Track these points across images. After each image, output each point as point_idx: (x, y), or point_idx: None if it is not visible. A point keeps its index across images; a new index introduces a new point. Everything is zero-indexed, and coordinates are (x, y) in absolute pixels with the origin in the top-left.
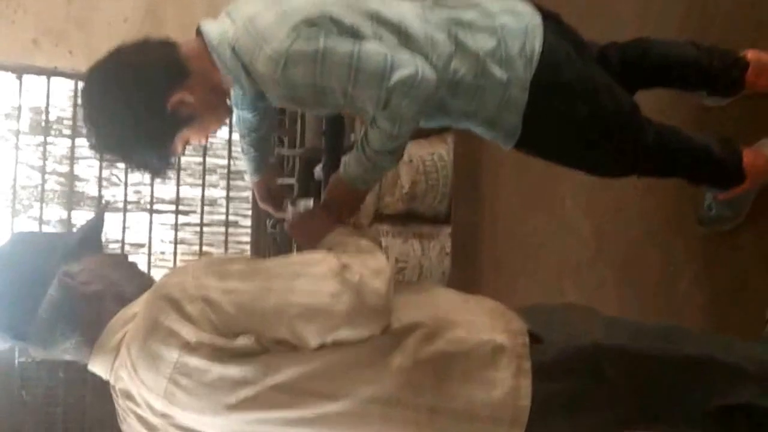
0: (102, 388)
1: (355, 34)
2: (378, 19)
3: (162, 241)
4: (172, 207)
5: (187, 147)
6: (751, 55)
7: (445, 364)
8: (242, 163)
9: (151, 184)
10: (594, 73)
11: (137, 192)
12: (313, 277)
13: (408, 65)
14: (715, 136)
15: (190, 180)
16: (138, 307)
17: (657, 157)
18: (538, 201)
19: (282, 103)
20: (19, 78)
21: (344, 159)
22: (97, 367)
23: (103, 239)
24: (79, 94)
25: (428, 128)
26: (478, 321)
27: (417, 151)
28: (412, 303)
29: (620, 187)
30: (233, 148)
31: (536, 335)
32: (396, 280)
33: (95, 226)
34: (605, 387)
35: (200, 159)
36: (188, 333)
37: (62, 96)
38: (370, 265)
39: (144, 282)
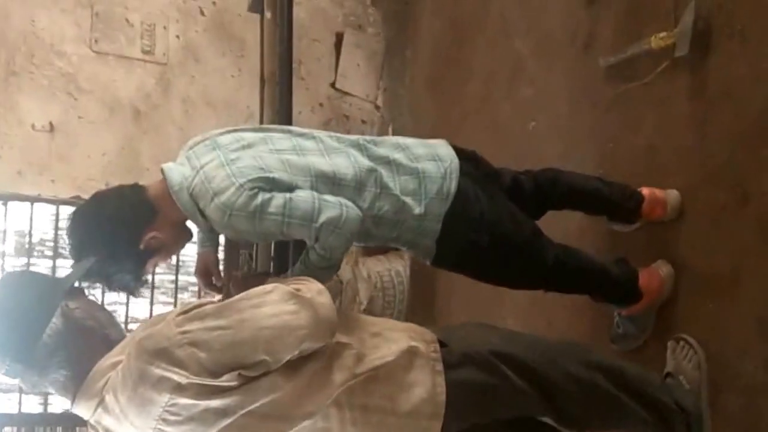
0: None
1: (291, 189)
2: (315, 174)
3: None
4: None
5: (160, 268)
6: (645, 191)
7: (375, 374)
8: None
9: (126, 304)
10: (498, 206)
11: (113, 311)
12: (273, 303)
13: (333, 208)
14: (613, 258)
15: (163, 298)
16: (118, 356)
17: (557, 277)
18: (483, 317)
19: (231, 238)
20: (5, 204)
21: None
22: (80, 410)
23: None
24: (63, 225)
25: (386, 245)
26: (397, 336)
27: (375, 267)
28: (342, 325)
29: (551, 307)
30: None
31: (444, 342)
32: None
33: (82, 272)
34: (507, 384)
35: (173, 277)
36: (179, 377)
37: (45, 220)
38: (312, 288)
39: (120, 329)
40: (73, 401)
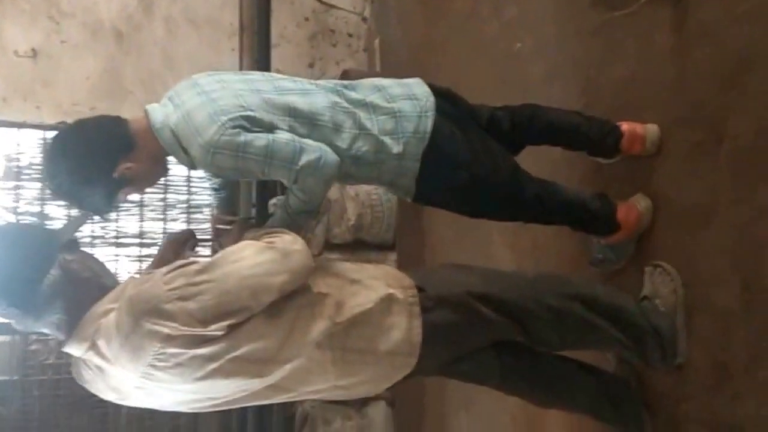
0: (72, 403)
1: (270, 128)
2: (293, 113)
3: (128, 272)
4: (137, 240)
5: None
6: (625, 126)
7: (354, 319)
8: (200, 198)
9: (116, 220)
10: (475, 143)
11: (103, 228)
12: (251, 256)
13: (313, 152)
14: (592, 192)
15: (152, 215)
16: (110, 304)
17: (536, 210)
18: (471, 234)
19: (213, 175)
20: None
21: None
22: (71, 349)
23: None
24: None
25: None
26: (375, 284)
27: (363, 187)
28: (322, 275)
29: (537, 228)
30: (191, 185)
31: (421, 287)
32: None
33: (79, 226)
34: (481, 320)
35: (162, 195)
36: (168, 329)
37: (32, 145)
38: (285, 238)
39: (114, 278)
40: (65, 342)
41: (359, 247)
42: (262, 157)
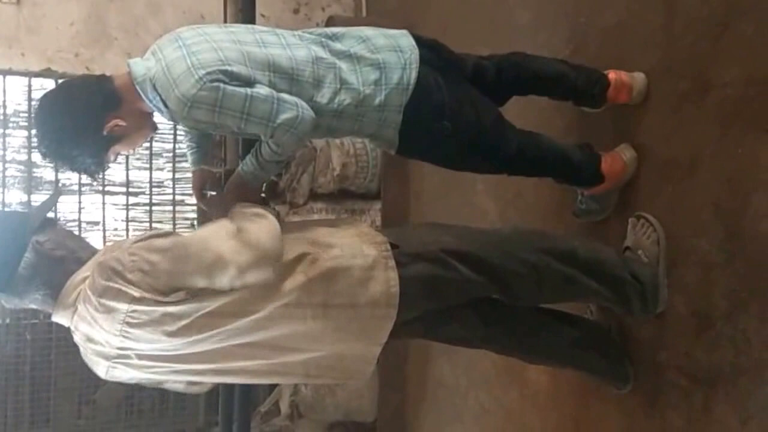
0: (65, 346)
1: (249, 83)
2: (273, 68)
3: (115, 219)
4: (123, 189)
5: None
6: (612, 74)
7: (331, 274)
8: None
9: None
10: (460, 94)
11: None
12: (217, 240)
13: (290, 110)
14: (576, 142)
15: (138, 164)
16: (87, 272)
17: (519, 162)
18: (455, 183)
19: (190, 128)
20: None
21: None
22: (59, 319)
23: (59, 217)
24: (36, 96)
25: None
26: (348, 241)
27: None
28: (294, 239)
29: (520, 178)
30: (178, 134)
31: (394, 244)
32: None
33: (50, 207)
34: (457, 275)
35: (147, 144)
36: (132, 292)
37: (18, 93)
38: (262, 226)
39: (91, 249)
40: (52, 312)
41: (344, 196)
42: (239, 113)
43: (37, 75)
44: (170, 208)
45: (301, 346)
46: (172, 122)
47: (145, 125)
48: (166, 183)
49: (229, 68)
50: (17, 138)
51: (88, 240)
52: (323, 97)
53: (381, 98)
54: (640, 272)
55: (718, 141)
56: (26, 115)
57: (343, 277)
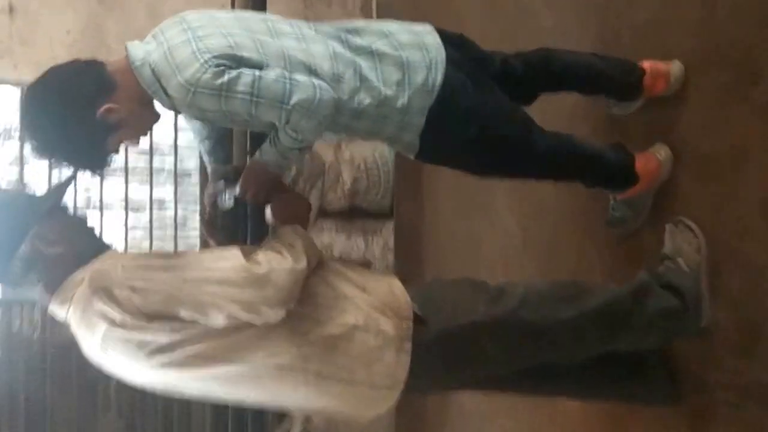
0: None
1: (259, 66)
2: (289, 61)
3: (113, 239)
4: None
5: (131, 148)
6: (646, 64)
7: (333, 343)
8: (189, 164)
9: (100, 185)
10: (487, 96)
11: (87, 189)
12: (223, 271)
13: (306, 90)
14: (608, 143)
15: (138, 179)
16: (86, 273)
17: (548, 166)
18: (474, 199)
19: (198, 120)
20: None
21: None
22: (54, 311)
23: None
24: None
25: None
26: (366, 309)
27: (358, 150)
28: (311, 294)
29: (543, 188)
30: (179, 151)
31: (422, 318)
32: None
33: (62, 193)
34: (482, 356)
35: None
36: (114, 314)
37: (10, 105)
38: (284, 263)
39: (98, 246)
40: (47, 305)
41: (355, 215)
42: (248, 96)
43: None
44: (172, 227)
45: (291, 403)
46: (172, 111)
47: (144, 113)
48: (167, 201)
49: (238, 54)
50: (9, 152)
51: (98, 233)
52: (343, 93)
53: (404, 100)
54: (681, 283)
55: (766, 134)
56: (18, 128)
57: (346, 351)
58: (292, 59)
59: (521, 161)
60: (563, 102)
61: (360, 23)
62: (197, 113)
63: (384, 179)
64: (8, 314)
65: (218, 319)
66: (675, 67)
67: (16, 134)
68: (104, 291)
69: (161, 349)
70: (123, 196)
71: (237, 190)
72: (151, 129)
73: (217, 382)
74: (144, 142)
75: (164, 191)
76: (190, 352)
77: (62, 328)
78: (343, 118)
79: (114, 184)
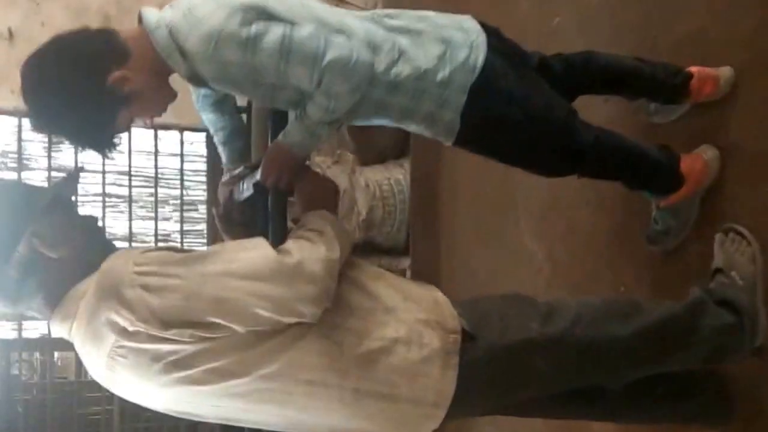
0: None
1: (290, 22)
2: (321, 23)
3: None
4: (125, 242)
5: (137, 179)
6: (693, 68)
7: (373, 358)
8: (195, 194)
9: (103, 218)
10: (528, 83)
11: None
12: (248, 262)
13: (341, 47)
14: (653, 144)
15: (142, 213)
16: (92, 283)
17: (594, 159)
18: (493, 229)
19: (219, 85)
20: None
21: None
22: (56, 330)
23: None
24: (26, 137)
25: (384, 153)
26: (410, 321)
27: (373, 176)
28: (348, 287)
29: (571, 206)
30: (185, 179)
31: (470, 333)
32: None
33: (69, 185)
34: (533, 376)
35: (152, 190)
36: (124, 320)
37: (6, 132)
38: (317, 252)
39: (107, 249)
40: (49, 321)
41: (370, 251)
42: (277, 52)
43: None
44: None
45: (322, 425)
46: (189, 80)
47: (160, 84)
48: (173, 235)
49: (268, 7)
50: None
51: (109, 237)
52: (380, 64)
53: (444, 74)
54: (736, 298)
55: None
56: (16, 156)
57: (387, 365)
58: (325, 21)
59: (563, 152)
60: (599, 109)
61: (393, 10)
62: (217, 71)
63: (399, 208)
64: (7, 356)
65: (244, 321)
66: (725, 70)
67: (14, 164)
68: (113, 293)
69: (178, 364)
70: (126, 230)
71: (257, 175)
72: (165, 108)
73: (241, 400)
74: (149, 169)
75: (169, 225)
76: (212, 365)
77: (62, 370)
78: (378, 91)
79: (116, 217)
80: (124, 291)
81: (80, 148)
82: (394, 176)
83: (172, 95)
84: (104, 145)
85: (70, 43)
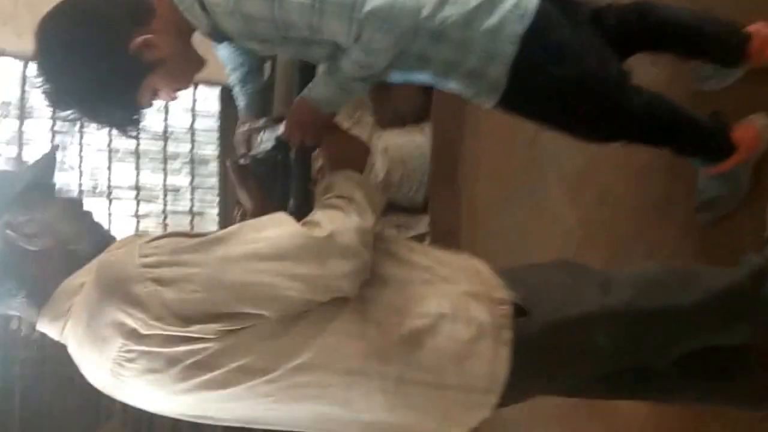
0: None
1: None
2: None
3: (121, 231)
4: (132, 194)
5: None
6: (752, 27)
7: (416, 339)
8: (206, 151)
9: (109, 169)
10: (583, 37)
11: (93, 178)
12: (273, 240)
13: None
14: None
15: (150, 166)
16: (86, 276)
17: (643, 123)
18: (521, 191)
19: (244, 42)
20: None
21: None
22: (46, 330)
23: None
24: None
25: (404, 116)
26: (454, 294)
27: (393, 139)
28: (380, 258)
29: (603, 174)
30: (195, 136)
31: (522, 307)
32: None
33: (47, 166)
34: (592, 356)
35: (161, 144)
36: (134, 321)
37: (10, 78)
38: (348, 222)
39: (99, 238)
40: (36, 321)
41: (388, 209)
42: (308, 4)
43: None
44: (188, 218)
45: (360, 418)
46: (210, 36)
47: (188, 51)
48: (182, 190)
49: None
50: (8, 130)
51: (100, 222)
52: (425, 8)
53: (494, 20)
54: None
55: None
56: (19, 103)
57: (433, 347)
58: None
59: (615, 113)
60: (646, 70)
61: None
62: (241, 26)
63: (420, 171)
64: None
65: (274, 307)
66: None
67: (16, 111)
68: (118, 290)
69: (200, 365)
70: (133, 183)
71: (280, 129)
72: (191, 78)
73: (268, 399)
74: (158, 124)
75: (179, 179)
76: (239, 362)
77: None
78: (421, 41)
79: (123, 169)
80: (133, 287)
81: (98, 126)
82: (415, 139)
83: (200, 63)
84: (126, 120)
85: (88, 4)
